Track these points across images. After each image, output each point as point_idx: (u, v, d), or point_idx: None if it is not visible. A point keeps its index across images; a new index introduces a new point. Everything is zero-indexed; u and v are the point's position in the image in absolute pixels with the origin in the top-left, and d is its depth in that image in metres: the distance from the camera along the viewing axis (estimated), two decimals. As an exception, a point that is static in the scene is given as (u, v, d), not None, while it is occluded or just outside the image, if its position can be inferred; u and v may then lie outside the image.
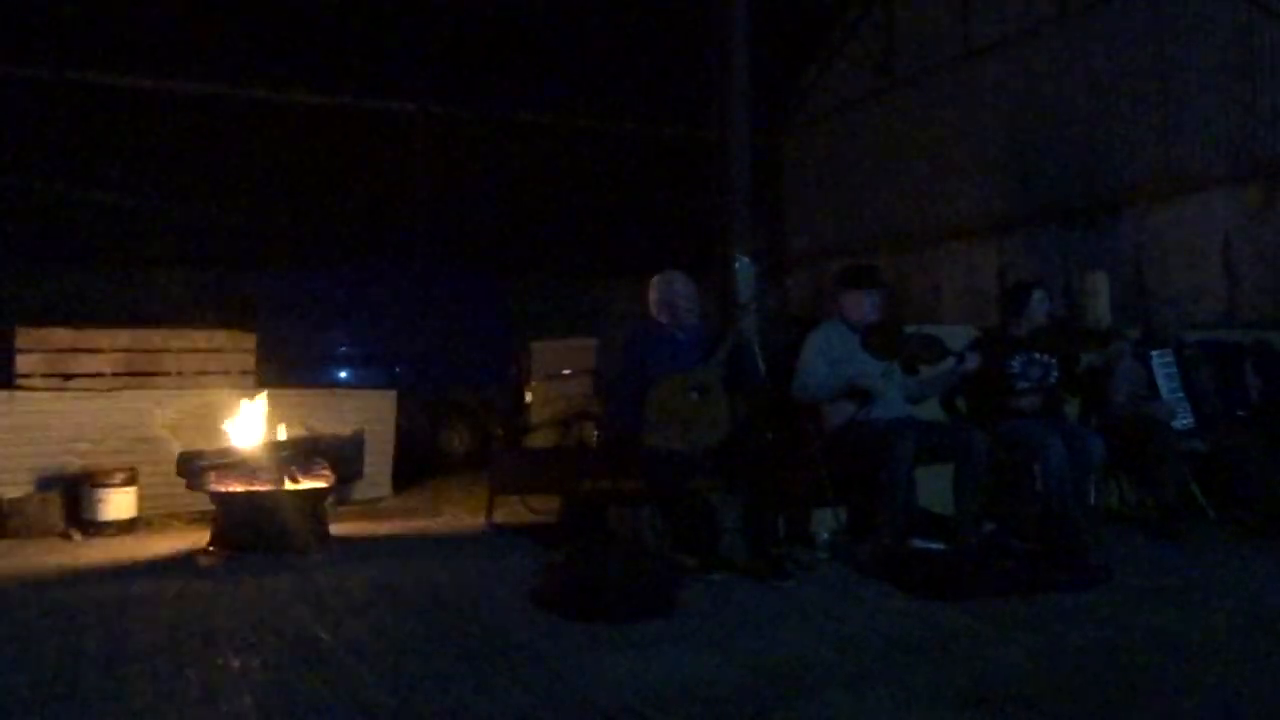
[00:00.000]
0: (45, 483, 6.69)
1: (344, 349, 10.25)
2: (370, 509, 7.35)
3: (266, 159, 11.69)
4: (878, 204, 12.91)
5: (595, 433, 6.71)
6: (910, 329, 5.10)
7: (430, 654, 3.54)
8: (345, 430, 6.51)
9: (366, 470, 7.46)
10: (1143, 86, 9.38)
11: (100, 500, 6.43)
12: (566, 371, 7.79)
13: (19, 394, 6.96)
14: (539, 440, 7.47)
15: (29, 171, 10.92)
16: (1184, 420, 5.72)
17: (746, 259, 5.19)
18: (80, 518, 6.45)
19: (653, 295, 4.90)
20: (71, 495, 6.57)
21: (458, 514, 7.08)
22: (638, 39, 12.07)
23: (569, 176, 13.17)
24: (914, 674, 3.20)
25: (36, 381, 7.15)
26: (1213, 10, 8.87)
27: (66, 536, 6.34)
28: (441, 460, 9.76)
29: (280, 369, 8.88)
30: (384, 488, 7.95)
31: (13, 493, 6.58)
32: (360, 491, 7.43)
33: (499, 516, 6.50)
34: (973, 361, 4.93)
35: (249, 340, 8.10)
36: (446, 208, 12.44)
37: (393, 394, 8.30)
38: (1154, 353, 5.90)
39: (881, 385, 4.88)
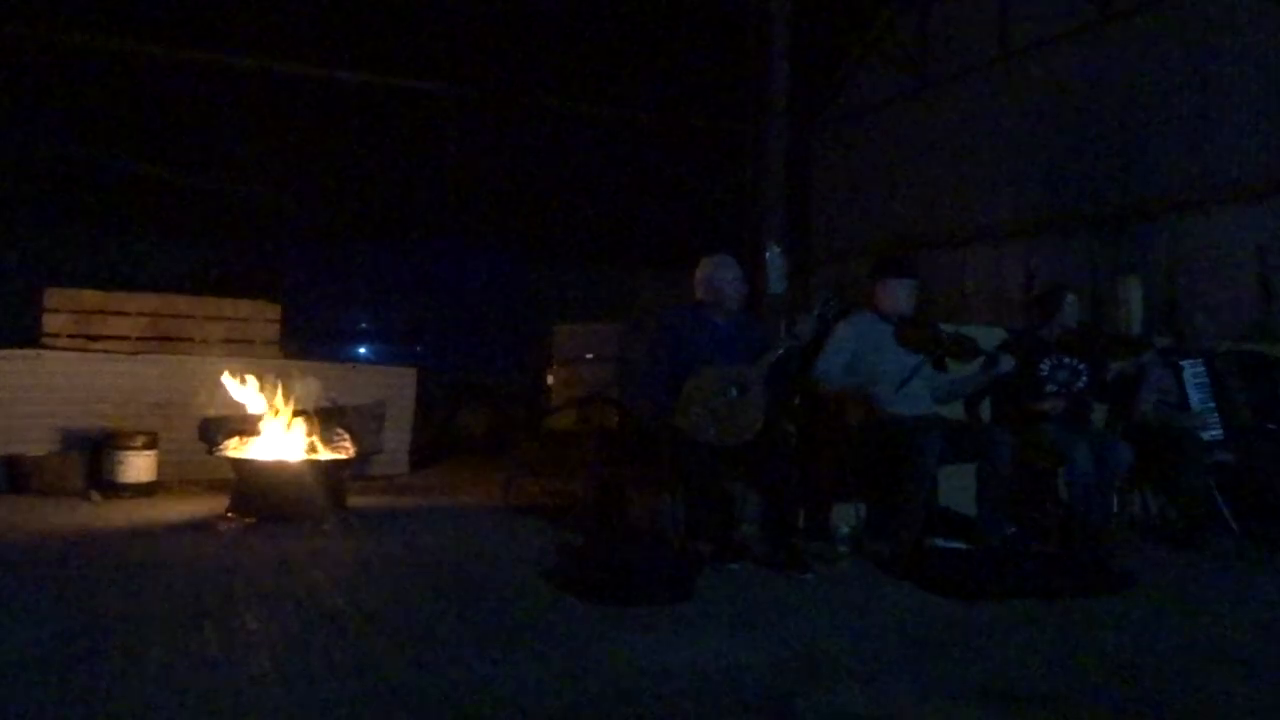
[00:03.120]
0: (67, 442, 6.74)
1: (367, 325, 10.30)
2: (386, 484, 7.37)
3: (298, 134, 11.70)
4: (905, 203, 12.82)
5: (615, 417, 6.70)
6: (947, 328, 5.05)
7: (448, 628, 3.54)
8: (367, 404, 6.52)
9: (385, 446, 7.48)
10: (1180, 94, 9.26)
11: (121, 462, 6.48)
12: (589, 356, 7.77)
13: (45, 353, 7.00)
14: (559, 424, 7.46)
15: (65, 138, 10.98)
16: (1213, 432, 5.65)
17: (778, 249, 5.15)
18: (100, 479, 6.50)
19: (700, 275, 4.85)
20: (92, 456, 6.62)
21: (474, 493, 7.08)
22: (673, 29, 12.01)
23: (598, 164, 13.14)
24: (934, 669, 3.17)
25: (63, 342, 7.19)
26: (1254, 20, 8.75)
27: (86, 497, 6.39)
28: (458, 441, 9.77)
29: (303, 342, 8.92)
30: (401, 464, 7.97)
31: (35, 451, 6.64)
32: (377, 467, 7.45)
33: (516, 498, 6.49)
34: (1007, 363, 4.87)
35: (274, 311, 8.11)
36: (474, 190, 12.43)
37: (413, 371, 8.32)
38: (1185, 362, 5.83)
39: (892, 394, 4.80)
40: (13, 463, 6.59)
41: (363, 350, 10.31)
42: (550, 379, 7.97)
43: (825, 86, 14.19)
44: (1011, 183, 11.20)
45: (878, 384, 4.82)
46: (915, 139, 12.72)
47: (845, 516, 5.05)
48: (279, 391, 6.17)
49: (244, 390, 6.09)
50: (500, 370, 9.90)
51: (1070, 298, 5.51)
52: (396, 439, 7.76)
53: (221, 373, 7.03)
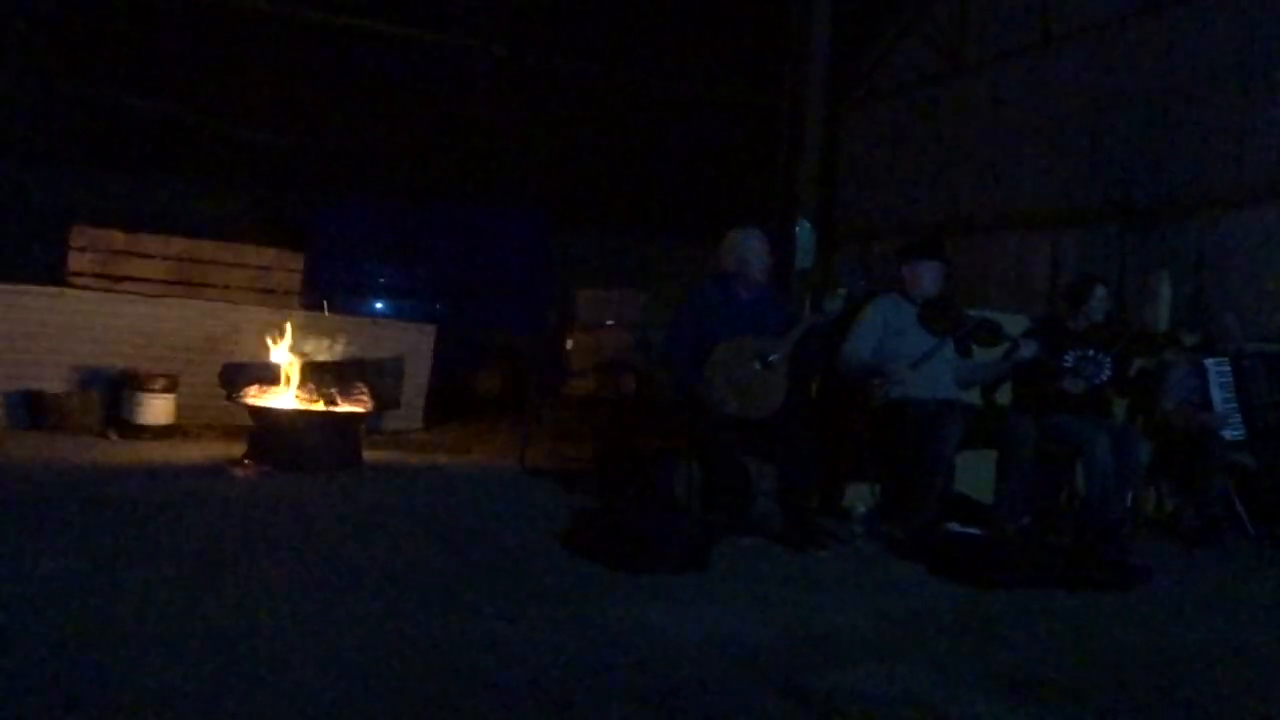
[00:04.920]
0: (87, 381, 6.79)
1: (387, 281, 10.30)
2: (400, 440, 7.39)
3: (332, 85, 11.64)
4: (933, 186, 12.69)
5: (634, 384, 6.69)
6: (974, 313, 5.01)
7: (462, 584, 3.55)
8: (386, 359, 6.53)
9: (401, 401, 7.50)
10: (1222, 89, 9.12)
11: (140, 404, 6.52)
12: (610, 322, 7.75)
13: (69, 291, 7.03)
14: (577, 388, 7.47)
15: (92, 78, 10.94)
16: (1235, 432, 5.60)
17: (808, 223, 5.10)
18: (119, 419, 6.55)
19: (727, 248, 4.83)
20: (112, 396, 6.66)
21: (488, 453, 7.10)
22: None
23: (627, 131, 13.03)
24: (950, 653, 3.17)
25: (87, 281, 7.22)
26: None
27: (104, 436, 6.43)
28: (473, 400, 9.79)
29: (323, 294, 8.92)
30: (415, 420, 8.00)
31: (55, 388, 6.68)
32: (392, 422, 7.48)
33: (532, 460, 6.50)
34: (1030, 349, 4.84)
35: (296, 261, 8.11)
36: (502, 150, 12.36)
37: (432, 328, 8.33)
38: (1209, 361, 5.77)
39: (908, 372, 4.76)
40: (33, 399, 6.63)
41: (380, 305, 10.33)
42: (570, 343, 7.96)
43: (859, 64, 14.02)
44: (1042, 170, 11.07)
45: (895, 365, 4.77)
46: (947, 122, 12.58)
47: (861, 496, 5.04)
48: (299, 342, 6.19)
49: (271, 338, 6.12)
50: (518, 332, 9.89)
51: (1100, 290, 5.46)
52: (413, 395, 7.78)
53: (242, 319, 7.07)
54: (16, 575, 3.25)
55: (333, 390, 5.92)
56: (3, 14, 10.24)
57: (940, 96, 12.76)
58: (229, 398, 5.92)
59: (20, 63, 10.48)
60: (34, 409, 6.61)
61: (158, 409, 6.57)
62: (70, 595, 3.07)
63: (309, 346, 6.23)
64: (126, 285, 7.31)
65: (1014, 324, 5.37)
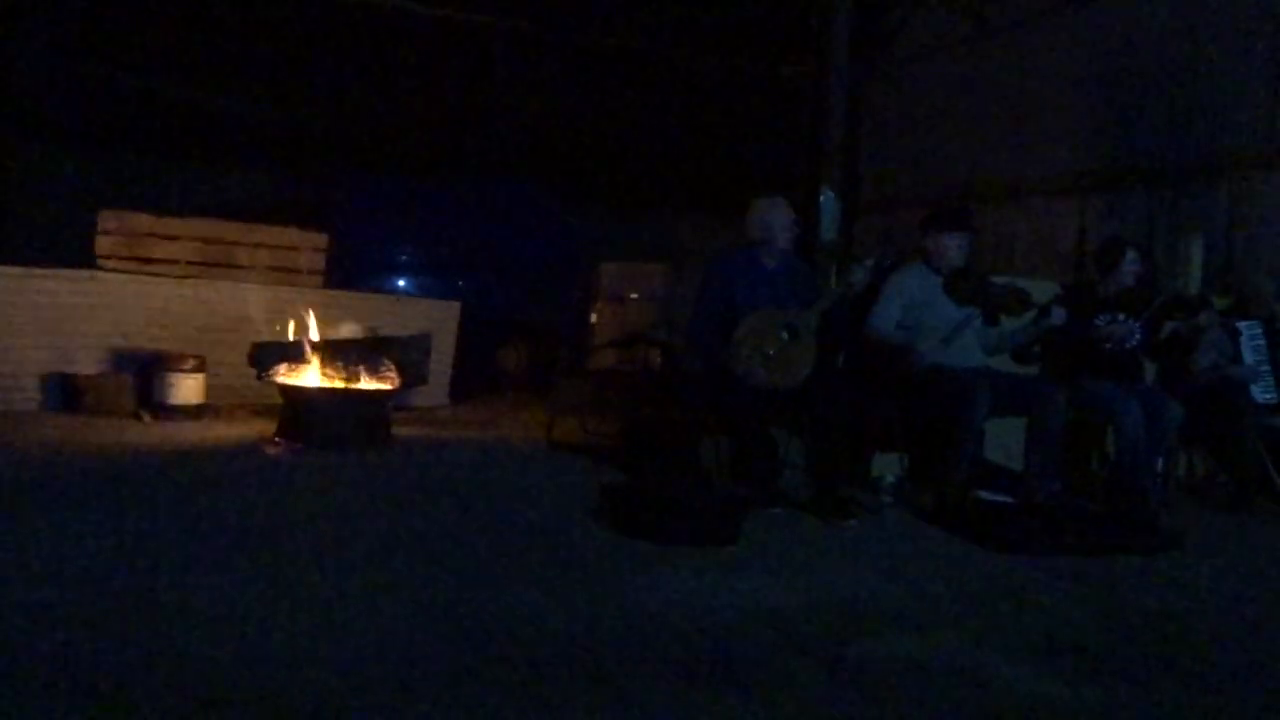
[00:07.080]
0: (119, 363, 6.87)
1: (411, 258, 10.33)
2: (427, 416, 7.44)
3: (351, 64, 11.62)
4: (956, 153, 12.53)
5: (659, 357, 6.69)
6: (1000, 279, 4.97)
7: (494, 558, 3.58)
8: (413, 336, 6.56)
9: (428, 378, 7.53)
10: (1251, 48, 8.94)
11: (171, 384, 6.58)
12: (634, 295, 7.74)
13: (100, 275, 7.09)
14: (601, 362, 7.47)
15: (115, 62, 10.96)
16: (1267, 395, 5.56)
17: (832, 194, 5.06)
18: (151, 400, 6.62)
19: (752, 216, 4.81)
20: (143, 377, 6.73)
21: (514, 429, 7.13)
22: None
23: (650, 104, 12.93)
24: (983, 621, 3.18)
25: (115, 264, 7.28)
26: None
27: (137, 417, 6.51)
28: (498, 377, 9.82)
29: (346, 272, 8.96)
30: (441, 397, 8.04)
31: (88, 370, 6.76)
32: (418, 398, 7.52)
33: (558, 435, 6.53)
34: (1059, 316, 4.79)
35: (320, 241, 8.14)
36: (522, 126, 12.31)
37: (456, 305, 8.35)
38: (1242, 324, 5.72)
39: (939, 349, 4.74)
40: (67, 381, 6.72)
41: (404, 283, 10.36)
42: (594, 317, 7.96)
43: (880, 31, 13.85)
44: (1068, 134, 10.92)
45: (924, 338, 4.76)
46: (970, 87, 12.40)
47: (889, 466, 5.04)
48: (326, 320, 6.23)
49: (298, 317, 6.16)
50: (541, 308, 9.90)
51: (1131, 253, 5.40)
52: (438, 372, 7.82)
53: (268, 299, 7.11)
54: (58, 555, 3.30)
55: (360, 368, 5.96)
56: None
57: (962, 62, 12.59)
58: (259, 377, 5.97)
59: (46, 46, 10.52)
60: (68, 391, 6.70)
61: (188, 389, 6.63)
62: (111, 574, 3.13)
63: (336, 325, 6.27)
64: (154, 267, 7.36)
65: (1044, 291, 5.32)
